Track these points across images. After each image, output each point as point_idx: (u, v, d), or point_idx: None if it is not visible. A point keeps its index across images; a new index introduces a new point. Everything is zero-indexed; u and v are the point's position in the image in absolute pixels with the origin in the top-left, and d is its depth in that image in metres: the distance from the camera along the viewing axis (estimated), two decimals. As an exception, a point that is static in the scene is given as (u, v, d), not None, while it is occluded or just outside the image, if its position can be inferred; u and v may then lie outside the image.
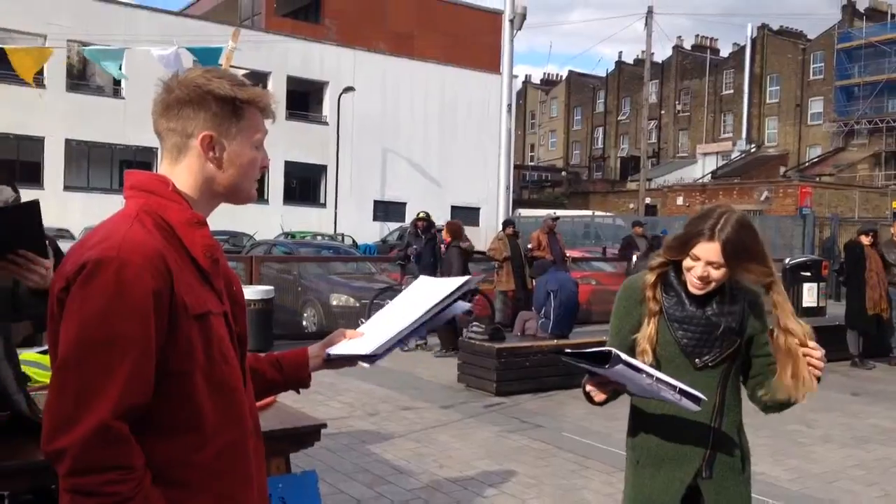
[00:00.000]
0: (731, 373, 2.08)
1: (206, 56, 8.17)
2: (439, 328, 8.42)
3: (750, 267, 1.97)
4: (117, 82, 27.30)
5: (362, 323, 1.79)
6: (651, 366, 1.90)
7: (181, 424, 1.34)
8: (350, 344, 1.70)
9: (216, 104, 1.42)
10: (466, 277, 1.75)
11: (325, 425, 2.55)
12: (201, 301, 1.37)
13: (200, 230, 1.41)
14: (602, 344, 1.95)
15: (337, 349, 1.70)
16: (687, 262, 2.00)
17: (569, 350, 1.88)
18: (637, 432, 2.13)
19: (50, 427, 1.26)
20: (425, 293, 1.74)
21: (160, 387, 1.31)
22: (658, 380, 1.81)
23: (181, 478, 1.34)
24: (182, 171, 1.43)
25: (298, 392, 1.77)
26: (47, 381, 2.63)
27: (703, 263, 1.97)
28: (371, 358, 1.63)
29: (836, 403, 6.94)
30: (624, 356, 1.76)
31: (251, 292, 8.64)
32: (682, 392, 1.83)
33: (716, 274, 1.97)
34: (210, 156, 1.42)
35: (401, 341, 1.67)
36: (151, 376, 1.29)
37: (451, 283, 1.72)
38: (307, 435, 2.53)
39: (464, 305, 1.77)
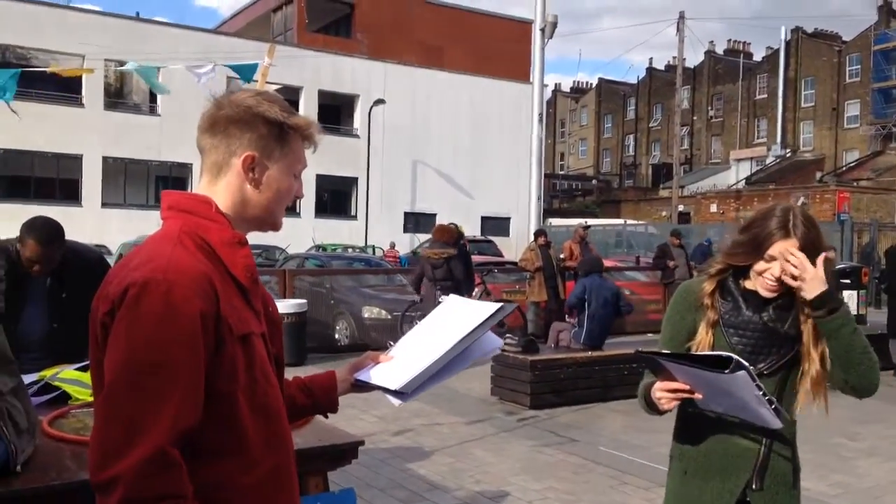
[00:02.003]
0: (788, 381, 2.02)
1: (244, 72, 8.33)
2: None
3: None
4: (153, 100, 27.89)
5: (391, 346, 1.75)
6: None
7: (225, 447, 1.32)
8: (379, 371, 1.67)
9: (264, 126, 1.41)
10: (499, 305, 1.70)
11: (362, 442, 2.52)
12: (244, 321, 1.36)
13: (241, 250, 1.39)
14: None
15: (366, 376, 1.68)
16: (759, 266, 1.96)
17: (666, 351, 1.81)
18: (686, 440, 2.07)
19: (100, 455, 1.21)
20: (455, 317, 1.70)
21: (204, 409, 1.29)
22: (765, 393, 1.75)
23: (227, 501, 1.32)
24: (221, 190, 1.42)
25: (326, 417, 1.75)
26: (87, 398, 2.67)
27: (782, 262, 1.93)
28: (402, 395, 1.60)
29: (880, 414, 6.76)
30: (746, 363, 1.73)
31: (285, 306, 8.69)
32: (777, 410, 1.79)
33: None
34: (249, 176, 1.42)
35: (432, 380, 1.63)
36: (201, 400, 1.27)
37: (483, 310, 1.67)
38: (345, 452, 2.50)
39: (497, 343, 1.73)
